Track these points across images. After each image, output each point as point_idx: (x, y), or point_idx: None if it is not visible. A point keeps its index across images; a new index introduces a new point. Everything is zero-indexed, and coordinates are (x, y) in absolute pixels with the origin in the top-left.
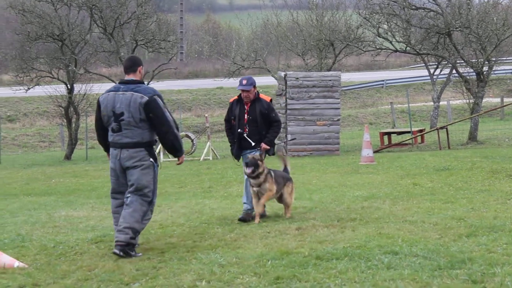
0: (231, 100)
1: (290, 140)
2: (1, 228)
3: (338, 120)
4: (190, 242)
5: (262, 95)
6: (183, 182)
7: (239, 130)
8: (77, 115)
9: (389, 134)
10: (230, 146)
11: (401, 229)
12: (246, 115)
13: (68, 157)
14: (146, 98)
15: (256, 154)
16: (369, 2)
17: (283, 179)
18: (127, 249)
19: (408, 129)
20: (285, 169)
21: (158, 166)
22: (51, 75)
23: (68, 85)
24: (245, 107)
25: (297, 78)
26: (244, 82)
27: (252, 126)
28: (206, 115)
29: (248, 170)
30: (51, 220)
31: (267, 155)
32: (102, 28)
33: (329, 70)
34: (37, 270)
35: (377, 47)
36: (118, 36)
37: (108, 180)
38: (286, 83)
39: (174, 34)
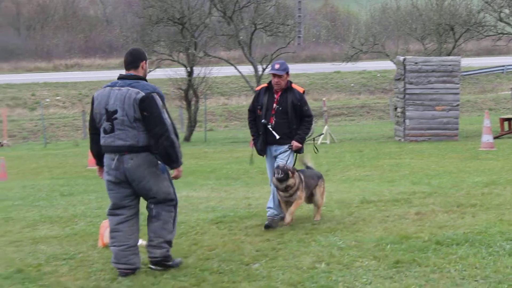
0: (258, 88)
1: (318, 136)
2: None
3: (457, 105)
4: (309, 224)
5: (295, 85)
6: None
7: (263, 120)
8: (196, 97)
9: (509, 120)
10: (253, 139)
11: None
12: (275, 105)
13: (187, 138)
14: (142, 94)
15: (288, 166)
16: None
17: (314, 179)
18: (164, 262)
19: None
20: (308, 167)
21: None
22: (171, 58)
23: (188, 68)
24: (275, 96)
25: (416, 63)
26: (277, 66)
27: (281, 118)
28: (324, 99)
29: (278, 176)
30: None
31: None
32: (221, 12)
33: (448, 55)
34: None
35: (498, 32)
36: (237, 19)
37: (227, 162)
38: (404, 67)
39: (292, 18)
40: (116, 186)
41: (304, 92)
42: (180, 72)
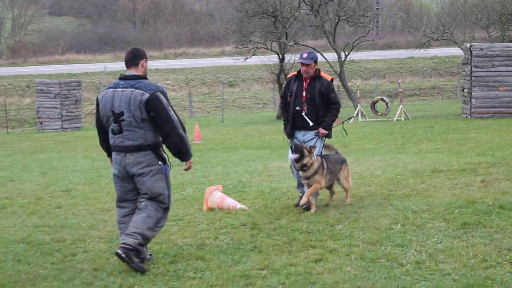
0: (289, 75)
1: (348, 119)
2: (225, 176)
3: None
4: (386, 191)
5: (323, 73)
6: (379, 140)
7: (297, 108)
8: None
9: None
10: (284, 124)
11: None
12: (304, 92)
13: (279, 117)
14: (147, 95)
15: (304, 145)
16: None
17: (338, 163)
18: (131, 254)
19: None
20: (336, 152)
21: (169, 167)
22: (265, 47)
23: (280, 55)
24: (304, 83)
25: (482, 49)
26: (305, 55)
27: (310, 105)
28: (399, 81)
29: (293, 157)
30: (266, 170)
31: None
32: (309, 6)
33: (510, 41)
34: (255, 211)
35: None
36: (323, 12)
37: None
38: (471, 53)
39: (371, 11)
40: (120, 180)
41: (332, 80)
42: (273, 58)
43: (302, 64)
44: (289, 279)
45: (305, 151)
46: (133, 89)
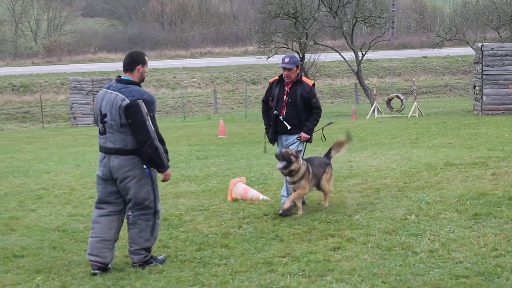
0: (271, 80)
1: (328, 125)
2: (248, 168)
3: None
4: (401, 183)
5: (304, 78)
6: (394, 135)
7: (275, 111)
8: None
9: None
10: (265, 129)
11: None
12: (285, 97)
13: None
14: (127, 101)
15: (291, 149)
16: None
17: (321, 167)
18: (145, 264)
19: None
20: (328, 154)
21: (154, 170)
22: (286, 46)
23: (300, 54)
24: (285, 88)
25: (492, 49)
26: (287, 60)
27: (291, 109)
28: (413, 79)
29: (280, 165)
30: None
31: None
32: (328, 7)
33: None
34: (277, 202)
35: None
36: (341, 13)
37: (333, 132)
38: (482, 52)
39: (387, 12)
40: (103, 182)
41: (313, 85)
42: None
43: (284, 68)
44: (309, 266)
45: (292, 157)
46: (118, 93)
